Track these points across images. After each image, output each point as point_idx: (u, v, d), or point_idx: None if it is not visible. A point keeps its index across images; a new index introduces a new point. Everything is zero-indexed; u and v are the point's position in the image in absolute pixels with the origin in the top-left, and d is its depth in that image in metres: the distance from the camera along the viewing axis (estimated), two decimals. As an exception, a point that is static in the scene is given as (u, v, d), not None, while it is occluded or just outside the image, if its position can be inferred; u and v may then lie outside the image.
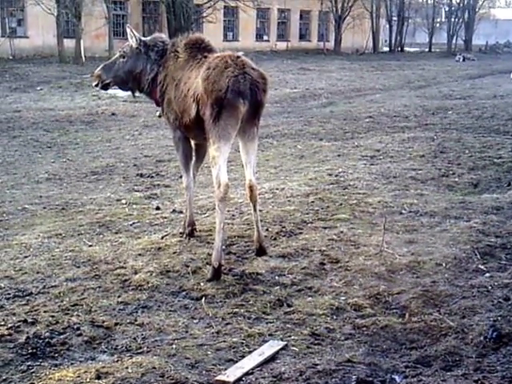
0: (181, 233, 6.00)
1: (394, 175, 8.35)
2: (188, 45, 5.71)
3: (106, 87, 6.07)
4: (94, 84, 6.19)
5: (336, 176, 8.37)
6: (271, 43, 47.22)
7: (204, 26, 43.27)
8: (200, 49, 5.63)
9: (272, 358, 3.71)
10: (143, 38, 6.02)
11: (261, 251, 5.42)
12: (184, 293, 4.71)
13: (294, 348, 3.85)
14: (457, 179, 8.18)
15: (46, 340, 3.88)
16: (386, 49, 54.40)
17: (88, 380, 3.41)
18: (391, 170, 8.63)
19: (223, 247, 5.18)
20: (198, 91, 5.09)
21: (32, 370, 3.57)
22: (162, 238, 5.92)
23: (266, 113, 15.08)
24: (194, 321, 4.25)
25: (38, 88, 20.56)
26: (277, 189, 7.73)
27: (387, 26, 55.45)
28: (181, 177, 6.64)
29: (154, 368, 3.55)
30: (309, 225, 6.29)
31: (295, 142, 11.33)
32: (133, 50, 5.94)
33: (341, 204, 6.99)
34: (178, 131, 5.75)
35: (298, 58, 37.09)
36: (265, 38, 48.05)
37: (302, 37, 50.68)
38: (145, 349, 3.83)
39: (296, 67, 30.12)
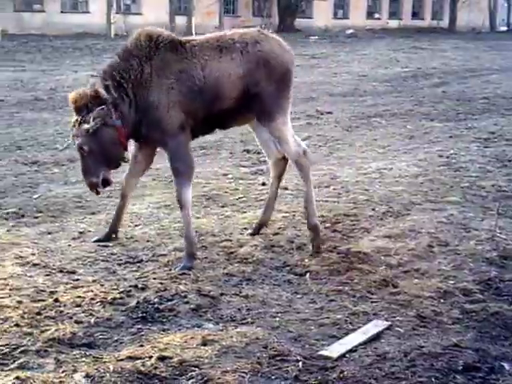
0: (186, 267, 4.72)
1: (509, 159, 8.03)
2: (154, 43, 4.83)
3: None
4: None
5: (447, 158, 8.16)
6: (382, 21, 46.29)
7: (314, 4, 43.07)
8: (171, 40, 4.88)
9: (376, 338, 3.67)
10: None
11: (257, 230, 5.39)
12: (288, 268, 4.73)
13: (399, 329, 3.78)
14: None
15: (155, 305, 4.02)
16: (504, 28, 51.96)
17: (194, 346, 3.51)
18: (506, 154, 8.30)
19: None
20: (245, 68, 4.79)
21: (141, 333, 3.70)
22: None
23: (374, 91, 14.93)
24: (298, 296, 4.27)
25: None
26: (384, 169, 7.62)
27: (505, 4, 52.95)
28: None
29: (258, 339, 3.59)
30: (417, 206, 6.15)
31: (405, 122, 11.06)
32: None
33: (451, 186, 6.80)
34: (181, 135, 4.83)
35: (410, 37, 36.09)
36: (376, 15, 47.12)
37: (414, 15, 49.30)
38: (249, 320, 3.88)
39: (408, 46, 29.35)
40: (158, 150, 5.23)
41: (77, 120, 4.67)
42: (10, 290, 4.20)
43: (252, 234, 5.36)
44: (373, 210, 6.01)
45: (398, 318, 3.93)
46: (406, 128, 10.54)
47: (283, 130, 4.98)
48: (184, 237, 4.93)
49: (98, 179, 4.79)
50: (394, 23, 46.03)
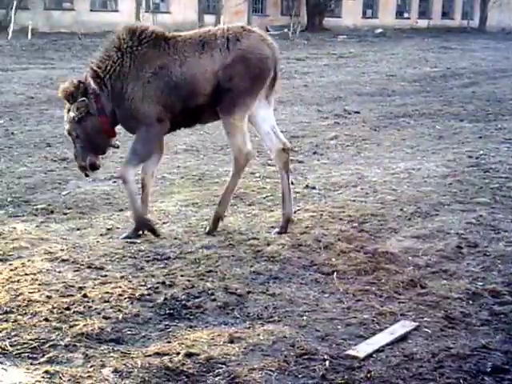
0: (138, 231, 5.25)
1: (539, 160, 7.91)
2: (139, 38, 5.08)
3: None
4: None
5: (477, 158, 8.09)
6: (412, 20, 45.87)
7: (343, 3, 42.87)
8: (155, 35, 5.10)
9: (403, 338, 3.64)
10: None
11: (284, 228, 5.37)
12: (315, 267, 4.72)
13: (427, 330, 3.76)
14: None
15: (183, 302, 4.04)
16: (536, 28, 51.14)
17: (221, 343, 3.52)
18: (537, 155, 8.18)
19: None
20: (221, 64, 4.93)
21: (169, 330, 3.72)
22: (295, 212, 5.94)
23: (403, 91, 14.82)
24: (325, 295, 4.25)
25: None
26: (413, 169, 7.57)
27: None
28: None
29: (285, 337, 3.59)
30: (445, 207, 6.10)
31: (434, 122, 10.97)
32: None
33: (481, 187, 6.74)
34: (157, 126, 5.06)
35: (439, 37, 35.76)
36: (405, 15, 46.73)
37: (444, 14, 48.78)
38: (276, 318, 3.88)
39: (437, 46, 29.11)
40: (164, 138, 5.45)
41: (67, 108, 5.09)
42: (40, 285, 4.25)
43: (279, 233, 5.36)
44: (401, 210, 5.97)
45: (425, 318, 3.89)
46: (434, 128, 10.46)
47: (236, 127, 5.08)
48: (129, 207, 5.42)
49: (86, 163, 5.12)
50: (423, 23, 45.58)
